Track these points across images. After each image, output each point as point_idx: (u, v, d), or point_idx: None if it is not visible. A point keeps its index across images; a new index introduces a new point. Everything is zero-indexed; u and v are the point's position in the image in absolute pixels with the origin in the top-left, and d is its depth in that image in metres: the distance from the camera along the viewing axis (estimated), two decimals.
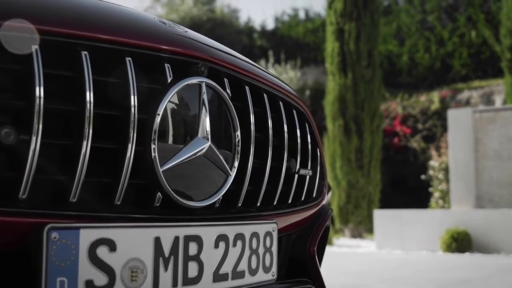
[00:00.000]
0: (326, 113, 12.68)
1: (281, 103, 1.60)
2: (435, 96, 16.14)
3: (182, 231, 1.23)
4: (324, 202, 1.89)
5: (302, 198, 1.73)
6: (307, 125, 1.75)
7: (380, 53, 13.76)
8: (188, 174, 1.27)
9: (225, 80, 1.38)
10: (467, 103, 15.81)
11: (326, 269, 2.34)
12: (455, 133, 10.24)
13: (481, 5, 17.82)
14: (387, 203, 13.17)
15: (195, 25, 22.88)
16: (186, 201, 1.26)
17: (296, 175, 1.65)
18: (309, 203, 1.79)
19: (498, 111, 10.20)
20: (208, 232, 1.30)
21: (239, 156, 1.38)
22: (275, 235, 1.52)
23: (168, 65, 1.23)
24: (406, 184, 14.97)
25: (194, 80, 1.27)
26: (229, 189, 1.39)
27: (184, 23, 23.43)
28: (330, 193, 2.11)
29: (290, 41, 21.74)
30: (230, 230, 1.36)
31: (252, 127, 1.42)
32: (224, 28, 23.05)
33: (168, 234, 1.20)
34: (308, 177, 1.73)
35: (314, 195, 1.81)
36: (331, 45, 12.61)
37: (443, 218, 9.40)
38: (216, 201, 1.33)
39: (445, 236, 8.98)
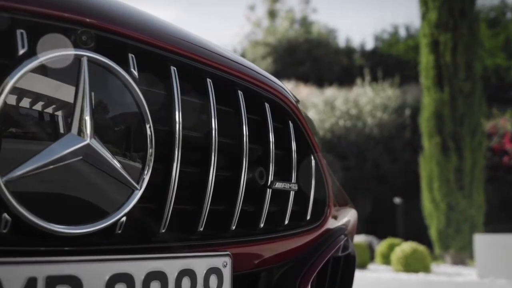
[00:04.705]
0: (422, 130, 11.89)
1: (240, 92, 1.19)
2: None
3: (44, 270, 0.85)
4: (328, 226, 1.45)
5: (286, 221, 1.30)
6: (291, 124, 1.32)
7: (486, 67, 12.87)
8: (64, 187, 0.89)
9: (130, 56, 0.99)
10: None
11: None
12: None
13: None
14: (495, 227, 12.14)
15: (291, 47, 22.66)
16: (56, 225, 0.87)
17: (269, 190, 1.22)
18: (301, 227, 1.35)
19: None
20: (96, 271, 0.90)
21: (151, 164, 0.98)
22: (227, 272, 1.10)
23: (22, 31, 0.86)
24: None
25: (62, 53, 0.89)
26: (146, 209, 1.00)
27: (281, 45, 23.26)
28: (349, 213, 1.65)
29: (390, 59, 21.05)
30: (138, 267, 0.96)
31: (178, 125, 1.02)
32: (321, 48, 22.59)
33: (17, 274, 0.82)
34: (292, 192, 1.30)
35: (308, 217, 1.37)
36: (425, 58, 11.84)
37: None
38: (112, 225, 0.94)
39: None
